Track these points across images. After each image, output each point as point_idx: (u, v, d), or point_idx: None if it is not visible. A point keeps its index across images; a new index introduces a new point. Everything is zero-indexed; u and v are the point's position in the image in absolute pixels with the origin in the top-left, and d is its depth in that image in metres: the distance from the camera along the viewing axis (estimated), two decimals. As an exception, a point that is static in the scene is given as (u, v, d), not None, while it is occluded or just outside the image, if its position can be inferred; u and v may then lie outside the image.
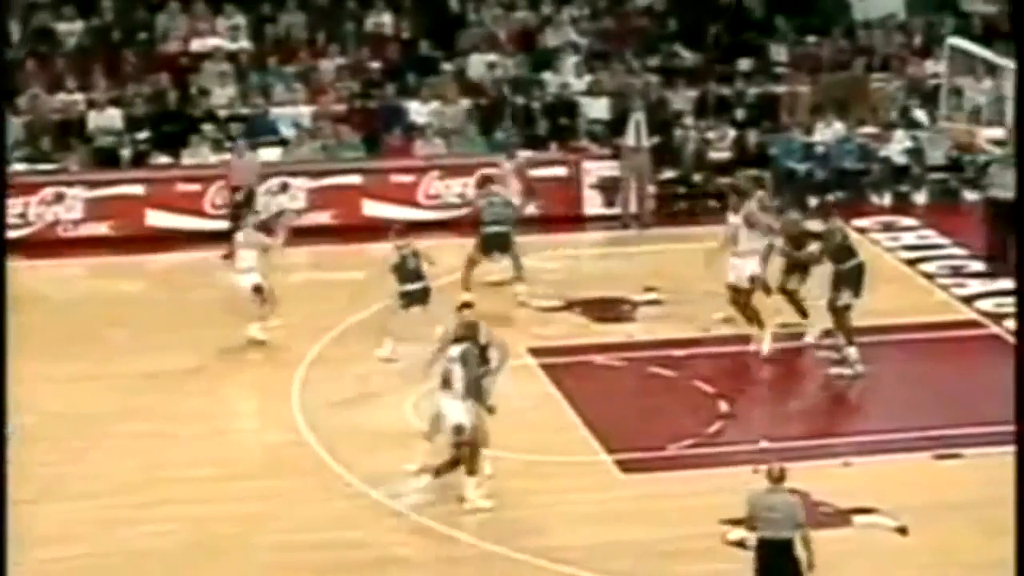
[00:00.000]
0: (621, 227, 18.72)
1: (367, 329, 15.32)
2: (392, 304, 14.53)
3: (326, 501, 11.87)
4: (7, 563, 6.89)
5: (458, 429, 11.50)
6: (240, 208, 17.33)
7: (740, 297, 14.27)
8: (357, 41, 21.29)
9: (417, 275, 14.53)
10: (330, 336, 15.06)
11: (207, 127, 19.46)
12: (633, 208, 18.90)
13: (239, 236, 15.24)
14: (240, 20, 21.15)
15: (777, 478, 9.58)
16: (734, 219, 14.61)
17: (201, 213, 18.57)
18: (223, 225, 17.92)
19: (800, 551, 9.38)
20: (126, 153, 19.31)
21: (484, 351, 11.89)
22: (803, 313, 14.53)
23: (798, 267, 14.44)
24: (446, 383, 11.58)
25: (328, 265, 17.57)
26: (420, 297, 14.47)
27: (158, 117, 19.63)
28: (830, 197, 19.39)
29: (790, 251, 14.20)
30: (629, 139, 18.76)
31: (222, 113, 19.93)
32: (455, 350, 11.61)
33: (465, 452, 11.56)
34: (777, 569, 9.39)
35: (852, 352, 13.91)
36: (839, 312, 13.91)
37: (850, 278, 13.92)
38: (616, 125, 19.34)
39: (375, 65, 20.89)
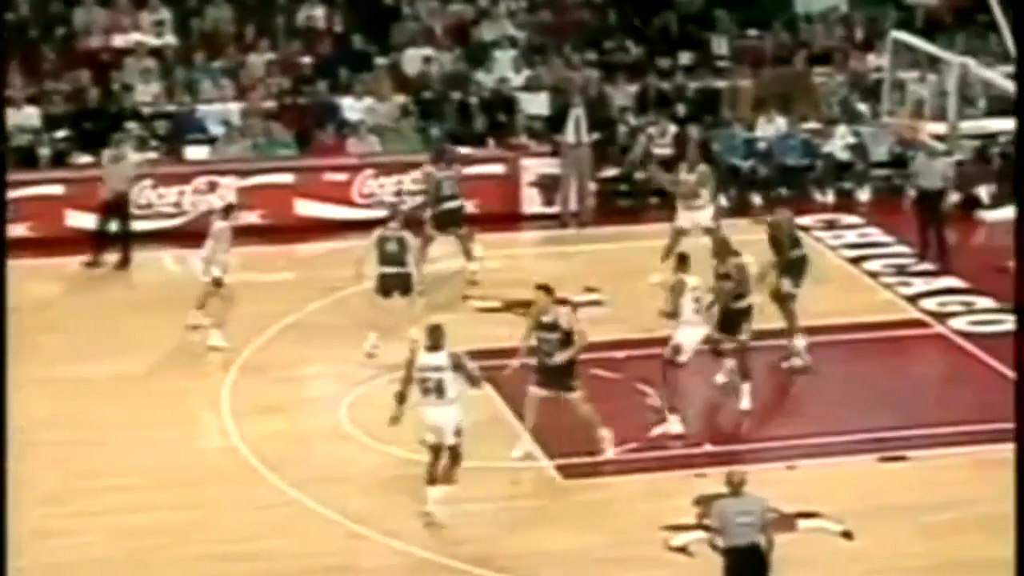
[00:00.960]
0: (560, 226, 18.74)
1: (299, 332, 15.24)
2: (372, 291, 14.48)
3: (257, 509, 11.79)
4: (7, 564, 6.93)
5: (458, 431, 11.46)
6: (109, 213, 17.24)
7: None
8: (288, 35, 21.16)
9: (397, 260, 14.42)
10: (262, 339, 14.96)
11: (130, 125, 19.25)
12: (573, 206, 18.91)
13: (213, 227, 15.02)
14: (164, 14, 20.95)
15: (738, 484, 9.65)
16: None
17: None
18: (146, 226, 17.82)
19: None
20: (45, 152, 19.07)
21: (568, 336, 12.21)
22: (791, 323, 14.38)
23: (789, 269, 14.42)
24: (437, 392, 11.43)
25: (258, 266, 17.42)
26: (398, 283, 14.36)
27: (78, 115, 19.41)
28: (772, 194, 19.52)
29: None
30: (569, 135, 18.77)
31: (146, 111, 19.73)
32: (438, 358, 11.46)
33: (453, 458, 11.51)
34: (751, 575, 9.47)
35: (797, 343, 14.01)
36: (783, 301, 14.07)
37: (793, 268, 14.09)
38: (555, 121, 19.35)
39: (307, 60, 20.76)
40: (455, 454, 11.55)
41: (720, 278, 13.30)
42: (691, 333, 12.93)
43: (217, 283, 14.78)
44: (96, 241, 17.37)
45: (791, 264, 14.17)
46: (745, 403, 13.22)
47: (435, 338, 11.54)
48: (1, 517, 6.90)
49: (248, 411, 13.48)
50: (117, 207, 17.43)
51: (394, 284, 14.47)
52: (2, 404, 6.91)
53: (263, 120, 19.64)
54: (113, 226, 17.42)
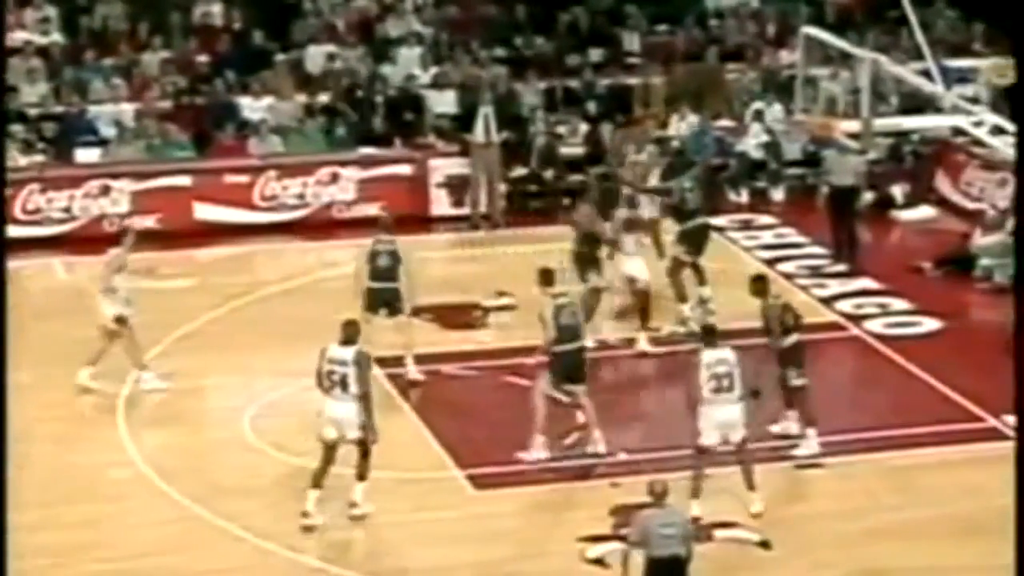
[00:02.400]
0: (471, 228, 18.72)
1: (199, 340, 15.08)
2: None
3: (156, 525, 11.66)
4: (7, 563, 6.87)
5: (363, 426, 11.42)
6: None
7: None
8: (183, 33, 20.94)
9: (387, 275, 13.96)
10: (158, 349, 14.77)
11: (16, 128, 18.92)
12: (483, 208, 18.91)
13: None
14: (50, 11, 20.64)
15: (661, 494, 9.71)
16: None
17: (14, 220, 18.04)
18: (34, 232, 17.56)
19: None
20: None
21: None
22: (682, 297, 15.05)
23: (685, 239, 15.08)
24: (341, 386, 11.42)
25: (155, 273, 17.22)
26: (387, 300, 13.93)
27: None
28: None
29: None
30: (478, 135, 18.77)
31: (33, 112, 19.40)
32: (345, 352, 11.46)
33: (362, 454, 11.55)
34: None
35: (684, 309, 14.57)
36: (673, 266, 14.76)
37: (690, 236, 14.89)
38: (464, 120, 19.34)
39: (203, 59, 20.56)
40: (364, 449, 11.50)
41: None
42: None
43: (120, 321, 13.79)
44: None
45: (689, 233, 15.04)
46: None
47: (349, 333, 11.56)
48: (1, 517, 6.90)
49: (145, 423, 13.32)
50: None
51: (382, 300, 13.99)
52: (2, 404, 6.93)
53: (158, 121, 19.41)
54: None
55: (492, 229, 18.64)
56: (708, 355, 11.66)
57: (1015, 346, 8.97)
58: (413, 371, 14.07)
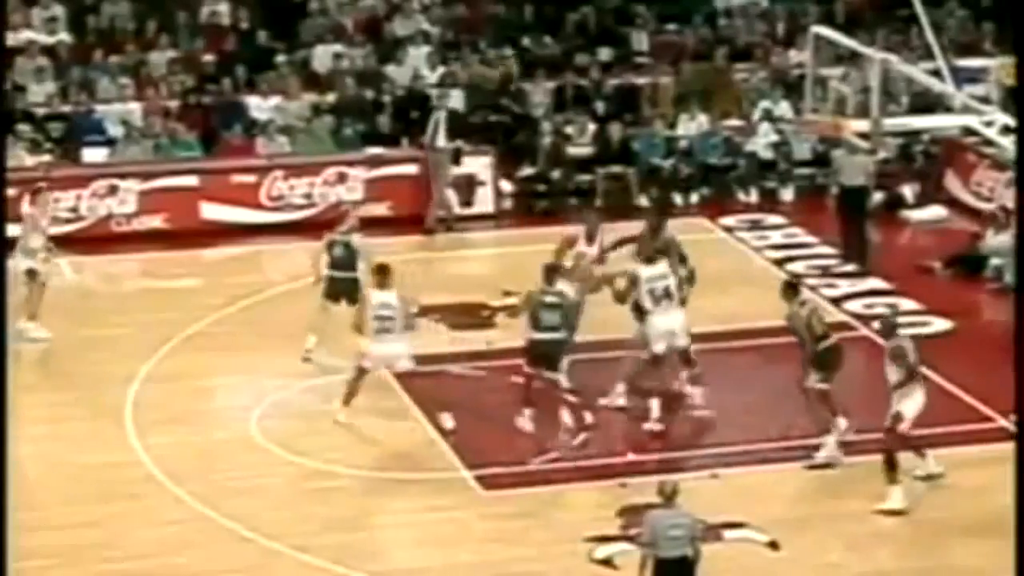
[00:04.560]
0: (425, 232, 18.58)
1: (206, 340, 15.11)
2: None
3: (163, 526, 11.67)
4: (7, 563, 6.90)
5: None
6: None
7: None
8: (190, 32, 20.96)
9: (346, 265, 14.49)
10: (166, 349, 14.81)
11: (23, 127, 18.96)
12: (443, 210, 18.75)
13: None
14: (58, 10, 20.67)
15: (670, 495, 9.73)
16: None
17: (18, 219, 18.06)
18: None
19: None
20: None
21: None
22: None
23: None
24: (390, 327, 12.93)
25: (162, 273, 17.28)
26: (344, 289, 14.28)
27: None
28: (694, 195, 19.69)
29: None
30: (427, 139, 18.75)
31: (40, 112, 19.43)
32: (389, 296, 12.97)
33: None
34: None
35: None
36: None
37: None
38: (421, 123, 19.12)
39: (210, 58, 20.59)
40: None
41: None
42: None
43: (30, 274, 14.75)
44: None
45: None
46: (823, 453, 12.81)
47: (384, 276, 12.91)
48: (1, 517, 6.94)
49: (153, 423, 13.34)
50: None
51: (341, 289, 14.37)
52: (2, 405, 6.97)
53: (165, 120, 19.44)
54: None
55: (447, 232, 18.53)
56: (645, 272, 12.99)
57: (1015, 346, 9.05)
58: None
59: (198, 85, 20.09)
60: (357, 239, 14.69)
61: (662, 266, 13.24)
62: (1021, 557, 6.64)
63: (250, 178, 18.81)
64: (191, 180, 18.64)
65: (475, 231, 18.75)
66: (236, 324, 15.60)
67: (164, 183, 18.56)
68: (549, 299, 13.09)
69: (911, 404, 11.91)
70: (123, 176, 18.55)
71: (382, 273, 13.10)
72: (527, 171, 19.74)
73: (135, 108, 19.66)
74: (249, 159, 19.21)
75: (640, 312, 13.32)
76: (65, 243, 17.87)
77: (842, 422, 12.73)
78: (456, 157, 18.88)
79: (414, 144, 19.57)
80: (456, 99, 20.25)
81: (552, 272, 13.32)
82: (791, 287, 13.14)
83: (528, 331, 13.10)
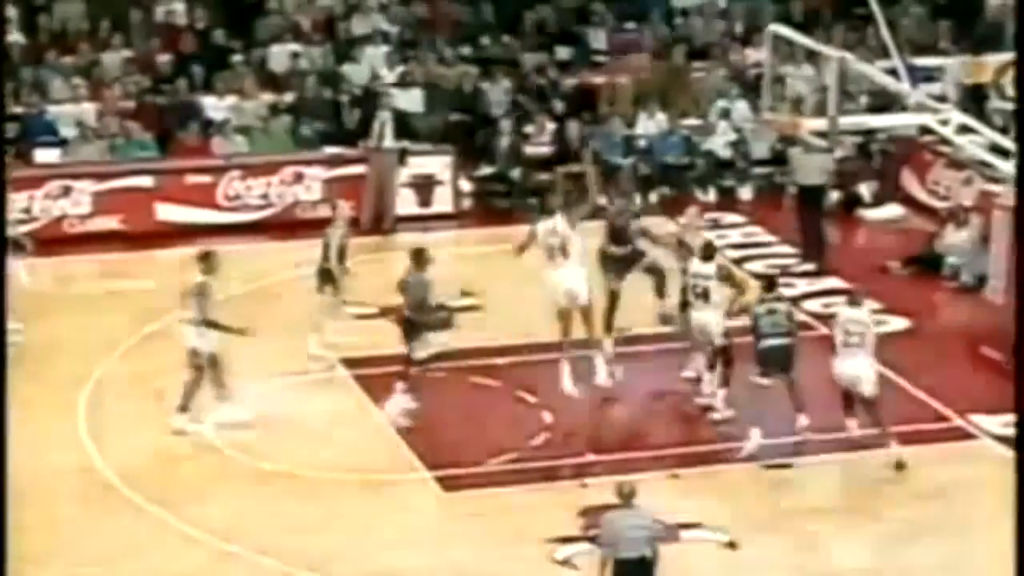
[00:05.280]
0: (360, 233, 18.51)
1: (161, 342, 15.00)
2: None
3: (117, 530, 11.58)
4: (7, 563, 6.87)
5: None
6: None
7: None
8: (145, 32, 20.82)
9: (325, 256, 14.77)
10: (121, 350, 14.70)
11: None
12: (383, 213, 18.64)
13: None
14: (9, 11, 20.45)
15: (628, 495, 9.72)
16: None
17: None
18: None
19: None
20: None
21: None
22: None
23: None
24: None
25: (117, 274, 17.16)
26: (324, 278, 14.71)
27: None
28: (653, 194, 19.71)
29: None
30: (372, 140, 18.70)
31: (-9, 112, 19.26)
32: (709, 268, 13.11)
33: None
34: None
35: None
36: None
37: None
38: (363, 125, 18.98)
39: (166, 58, 20.45)
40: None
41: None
42: None
43: None
44: None
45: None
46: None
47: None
48: (1, 517, 6.94)
49: (106, 426, 13.23)
50: None
51: (323, 279, 14.81)
52: (2, 404, 6.98)
53: (120, 120, 19.29)
54: None
55: (384, 235, 18.52)
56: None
57: (1016, 346, 9.09)
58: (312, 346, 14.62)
59: (153, 85, 19.95)
60: (339, 234, 14.88)
61: (710, 266, 13.33)
62: (1021, 557, 6.67)
63: (206, 178, 18.70)
64: (146, 181, 18.51)
65: (434, 231, 18.69)
66: (192, 325, 15.47)
67: (119, 184, 18.41)
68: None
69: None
70: (77, 177, 18.40)
71: (417, 258, 13.28)
72: (486, 170, 19.72)
73: (89, 108, 19.50)
74: (205, 159, 19.10)
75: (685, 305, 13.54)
76: (19, 245, 17.75)
77: (802, 420, 12.78)
78: (402, 157, 18.82)
79: (360, 145, 19.28)
80: (415, 98, 20.20)
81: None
82: (766, 282, 13.15)
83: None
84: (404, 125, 19.37)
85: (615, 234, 14.10)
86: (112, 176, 18.49)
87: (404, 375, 13.29)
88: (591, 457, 12.77)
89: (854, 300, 13.04)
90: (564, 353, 13.48)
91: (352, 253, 15.27)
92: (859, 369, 12.54)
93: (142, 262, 17.47)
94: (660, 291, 14.08)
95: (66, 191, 18.30)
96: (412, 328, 13.32)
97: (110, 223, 18.29)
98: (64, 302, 16.28)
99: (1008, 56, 21.75)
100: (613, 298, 14.13)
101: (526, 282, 15.77)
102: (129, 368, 14.38)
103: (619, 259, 14.03)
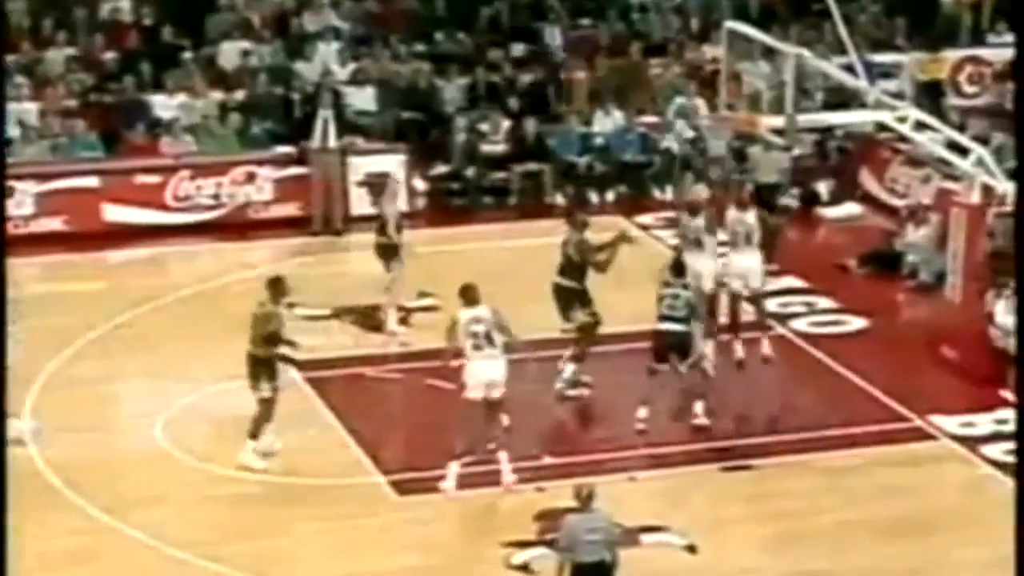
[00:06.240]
0: (311, 234, 18.49)
1: (109, 345, 14.90)
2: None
3: (63, 537, 11.48)
4: (7, 563, 6.79)
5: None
6: None
7: None
8: (89, 29, 20.65)
9: (382, 231, 15.34)
10: (68, 353, 14.58)
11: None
12: (331, 213, 18.56)
13: None
14: (-53, 9, 20.26)
15: (586, 498, 9.72)
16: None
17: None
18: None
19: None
20: None
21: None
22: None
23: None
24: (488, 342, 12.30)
25: (62, 276, 17.02)
26: (385, 253, 15.23)
27: None
28: (611, 193, 19.73)
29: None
30: (315, 139, 18.62)
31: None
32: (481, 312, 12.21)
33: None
34: None
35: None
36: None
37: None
38: (302, 125, 18.91)
39: (111, 55, 20.30)
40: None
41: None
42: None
43: None
44: None
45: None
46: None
47: (471, 296, 12.31)
48: (1, 516, 6.86)
49: (52, 431, 13.11)
50: None
51: (382, 255, 15.28)
52: (2, 404, 6.93)
53: (64, 119, 19.13)
54: None
55: (335, 235, 18.48)
56: (464, 314, 12.17)
57: (1016, 348, 9.15)
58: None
59: (98, 84, 19.79)
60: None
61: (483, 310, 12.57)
62: (1021, 557, 6.71)
63: (155, 178, 18.58)
64: (92, 181, 18.37)
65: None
66: (141, 328, 15.39)
67: (63, 184, 18.26)
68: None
69: None
70: (20, 177, 18.21)
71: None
72: (440, 169, 19.68)
73: (31, 108, 19.31)
74: (154, 159, 18.97)
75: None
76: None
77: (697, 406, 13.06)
78: (344, 156, 18.76)
79: (301, 145, 19.14)
80: (368, 96, 20.14)
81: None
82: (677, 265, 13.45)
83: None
84: (353, 123, 19.32)
85: (569, 266, 13.87)
86: (56, 176, 18.34)
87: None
88: (547, 460, 12.75)
89: (741, 203, 14.46)
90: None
91: (301, 254, 15.24)
92: (749, 263, 14.12)
93: (89, 264, 17.35)
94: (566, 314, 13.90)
95: (9, 192, 18.12)
96: (256, 364, 12.47)
97: (55, 224, 18.14)
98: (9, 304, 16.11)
99: (964, 52, 22.01)
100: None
101: (483, 282, 15.77)
102: (76, 372, 14.26)
103: (570, 293, 13.82)
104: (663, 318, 13.12)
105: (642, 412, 13.06)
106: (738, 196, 14.77)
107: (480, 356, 12.10)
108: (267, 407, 12.47)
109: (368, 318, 15.59)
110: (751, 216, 14.40)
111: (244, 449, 12.43)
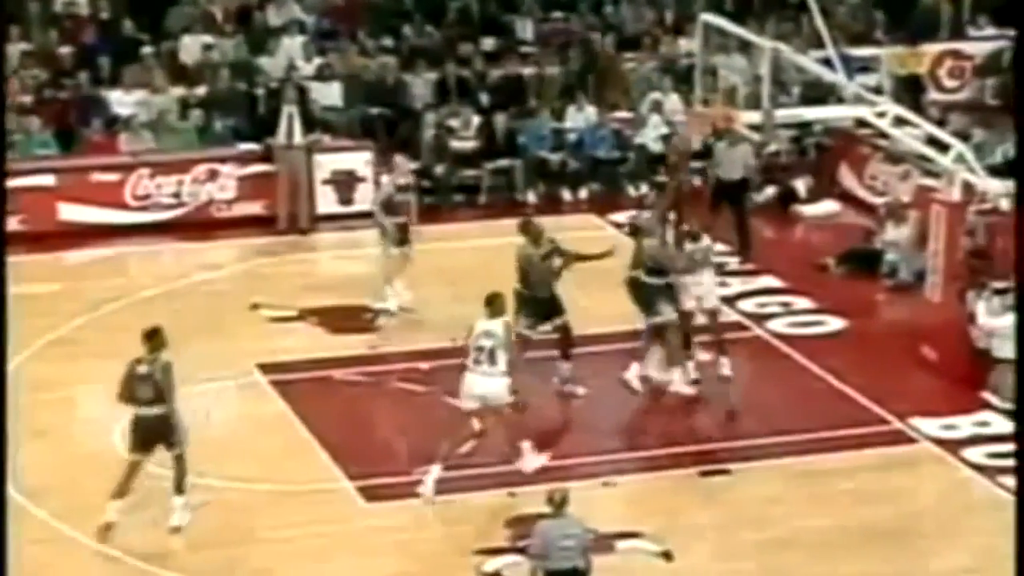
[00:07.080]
0: (277, 233, 18.48)
1: (66, 348, 14.84)
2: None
3: (21, 547, 11.35)
4: (7, 563, 6.76)
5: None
6: None
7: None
8: (44, 23, 20.56)
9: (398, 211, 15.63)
10: (23, 356, 14.51)
11: None
12: (297, 211, 18.56)
13: None
14: None
15: (560, 503, 9.74)
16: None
17: None
18: None
19: None
20: None
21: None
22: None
23: None
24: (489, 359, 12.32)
25: (18, 277, 16.73)
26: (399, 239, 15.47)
27: None
28: (583, 191, 19.76)
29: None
30: (280, 136, 18.61)
31: None
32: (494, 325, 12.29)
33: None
34: None
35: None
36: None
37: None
38: (267, 123, 18.88)
39: (67, 50, 20.22)
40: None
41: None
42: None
43: None
44: None
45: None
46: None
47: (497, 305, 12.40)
48: (1, 516, 6.82)
49: (9, 437, 13.02)
50: None
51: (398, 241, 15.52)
52: (2, 404, 6.90)
53: (19, 116, 19.03)
54: None
55: (302, 234, 18.48)
56: (481, 325, 12.27)
57: (1016, 348, 9.21)
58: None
59: (53, 79, 19.71)
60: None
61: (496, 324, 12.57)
62: (1021, 557, 6.77)
63: (113, 176, 18.51)
64: (47, 179, 18.28)
65: (356, 230, 18.61)
66: (100, 330, 15.34)
67: (17, 183, 18.09)
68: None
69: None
70: (-27, 175, 18.12)
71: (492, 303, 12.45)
72: (409, 166, 19.62)
73: (-17, 104, 19.21)
74: (112, 157, 18.90)
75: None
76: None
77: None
78: (309, 153, 18.75)
79: (262, 142, 19.10)
80: (334, 92, 20.12)
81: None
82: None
83: None
84: (319, 119, 19.30)
85: (524, 278, 13.87)
86: (10, 175, 18.21)
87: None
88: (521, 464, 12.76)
89: (693, 235, 14.48)
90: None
91: (266, 253, 15.21)
92: (704, 282, 14.24)
93: (46, 265, 17.27)
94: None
95: (-38, 190, 18.02)
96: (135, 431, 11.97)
97: (10, 224, 17.97)
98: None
99: (944, 46, 22.14)
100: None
101: (452, 283, 15.82)
102: (33, 376, 14.18)
103: (535, 303, 13.84)
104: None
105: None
106: (689, 230, 14.51)
107: (476, 371, 12.18)
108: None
109: (336, 319, 15.58)
110: (705, 242, 14.51)
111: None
